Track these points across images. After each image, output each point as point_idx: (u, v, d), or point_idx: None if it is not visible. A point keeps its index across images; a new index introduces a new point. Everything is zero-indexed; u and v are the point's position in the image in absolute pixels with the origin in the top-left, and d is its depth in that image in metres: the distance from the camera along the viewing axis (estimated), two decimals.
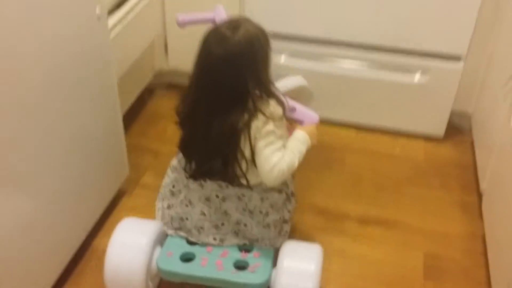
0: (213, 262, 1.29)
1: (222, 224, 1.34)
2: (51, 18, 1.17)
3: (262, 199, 1.32)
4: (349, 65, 1.90)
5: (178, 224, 1.36)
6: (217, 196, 1.32)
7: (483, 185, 1.64)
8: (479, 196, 1.70)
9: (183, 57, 2.04)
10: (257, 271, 1.27)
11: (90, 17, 1.32)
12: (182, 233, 1.36)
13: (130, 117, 1.99)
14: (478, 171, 1.74)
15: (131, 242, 1.32)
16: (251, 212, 1.32)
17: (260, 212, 1.32)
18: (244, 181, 1.28)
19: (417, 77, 1.86)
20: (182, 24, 1.51)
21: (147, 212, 1.56)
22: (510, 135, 1.39)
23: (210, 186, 1.32)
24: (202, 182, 1.32)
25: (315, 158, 1.84)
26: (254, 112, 1.21)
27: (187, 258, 1.31)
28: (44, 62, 1.18)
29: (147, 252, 1.30)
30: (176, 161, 1.40)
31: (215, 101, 1.22)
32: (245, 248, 1.33)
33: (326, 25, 1.83)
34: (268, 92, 1.24)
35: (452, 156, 1.92)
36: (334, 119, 2.00)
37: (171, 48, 2.05)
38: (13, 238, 1.18)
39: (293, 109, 1.35)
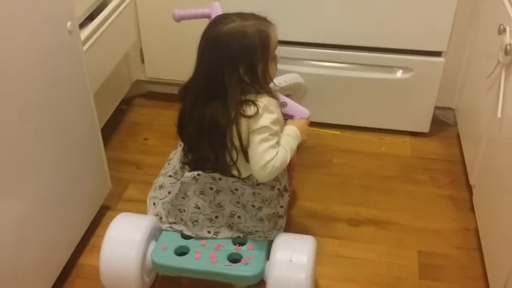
0: (207, 255, 1.29)
1: (216, 217, 1.33)
2: (22, 35, 1.13)
3: (254, 194, 1.30)
4: (331, 65, 1.88)
5: (174, 218, 1.36)
6: (211, 189, 1.31)
7: (473, 179, 1.62)
8: (469, 190, 1.68)
9: (160, 66, 2.03)
10: (250, 263, 1.28)
11: (62, 32, 1.28)
12: (176, 227, 1.35)
13: (109, 129, 1.94)
14: (466, 165, 1.72)
15: (125, 238, 1.32)
16: (244, 206, 1.32)
17: (253, 206, 1.31)
18: (235, 172, 1.27)
19: (399, 74, 1.85)
20: (177, 19, 1.50)
21: None
22: (497, 126, 1.38)
23: (204, 179, 1.30)
24: (196, 175, 1.30)
25: (302, 160, 1.82)
26: (237, 109, 1.20)
27: (181, 252, 1.32)
28: (17, 79, 1.14)
29: (141, 247, 1.31)
30: (173, 153, 1.41)
31: (199, 89, 1.24)
32: (239, 241, 1.33)
33: (306, 28, 1.81)
34: (259, 88, 1.23)
35: (439, 151, 1.90)
36: (319, 120, 1.97)
37: (147, 57, 2.01)
38: None
39: (284, 104, 1.36)
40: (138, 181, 1.78)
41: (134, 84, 2.10)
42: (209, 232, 1.33)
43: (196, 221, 1.33)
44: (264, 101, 1.22)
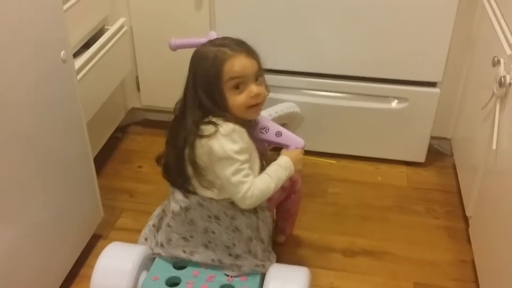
0: (198, 286, 1.28)
1: (191, 236, 1.31)
2: (14, 62, 1.13)
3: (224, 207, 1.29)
4: (328, 95, 1.88)
5: (154, 238, 1.36)
6: (180, 207, 1.29)
7: (469, 210, 1.61)
8: (466, 221, 1.67)
9: (156, 94, 2.03)
10: None
11: (55, 61, 1.28)
12: (156, 250, 1.34)
13: (104, 156, 1.93)
14: (462, 196, 1.71)
15: (116, 267, 1.30)
16: (217, 218, 1.29)
17: (226, 214, 1.29)
18: (209, 193, 1.27)
19: (394, 104, 1.85)
20: (174, 48, 1.50)
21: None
22: (493, 157, 1.37)
23: (177, 197, 1.29)
24: (174, 194, 1.30)
25: None
26: (192, 129, 1.21)
27: (172, 282, 1.30)
28: (8, 106, 1.13)
29: (132, 277, 1.29)
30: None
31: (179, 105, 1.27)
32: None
33: (301, 57, 1.82)
34: (226, 114, 1.22)
35: (435, 182, 1.89)
36: (315, 149, 1.97)
37: (143, 85, 2.01)
38: None
39: (278, 134, 1.37)
40: (131, 209, 1.76)
41: (130, 111, 2.10)
42: (184, 251, 1.31)
43: (170, 239, 1.32)
44: (226, 128, 1.19)
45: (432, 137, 1.90)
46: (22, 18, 1.14)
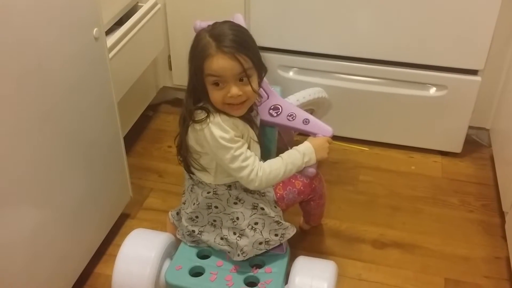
0: (222, 277, 1.25)
1: (197, 217, 1.30)
2: (46, 40, 1.12)
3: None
4: (363, 80, 1.82)
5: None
6: (187, 188, 1.32)
7: (506, 204, 1.55)
8: (502, 216, 1.61)
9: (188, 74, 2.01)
10: (267, 287, 1.23)
11: (87, 38, 1.27)
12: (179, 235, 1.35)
13: (134, 135, 1.93)
14: (500, 190, 1.65)
15: (139, 255, 1.29)
16: (215, 193, 1.28)
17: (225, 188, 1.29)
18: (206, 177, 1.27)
19: (432, 91, 1.78)
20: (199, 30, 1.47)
21: None
22: None
23: (186, 177, 1.31)
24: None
25: (328, 176, 1.77)
26: (188, 114, 1.20)
27: (196, 272, 1.28)
28: (42, 84, 1.12)
29: (155, 266, 1.28)
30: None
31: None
32: (256, 264, 1.29)
33: (336, 40, 1.76)
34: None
35: (471, 173, 1.83)
36: (346, 135, 1.92)
37: (175, 65, 1.99)
38: (17, 263, 1.13)
39: (306, 121, 1.34)
40: (159, 189, 1.75)
41: (161, 90, 2.09)
42: (193, 231, 1.31)
43: (180, 219, 1.34)
44: (217, 116, 1.18)
45: (470, 127, 1.84)
46: None
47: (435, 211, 1.68)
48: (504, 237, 1.54)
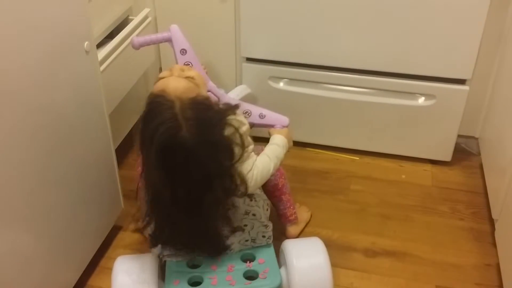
0: (223, 279, 1.27)
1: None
2: (36, 53, 1.13)
3: None
4: (352, 90, 1.84)
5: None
6: None
7: (496, 213, 1.57)
8: (492, 223, 1.62)
9: None
10: (268, 276, 1.28)
11: (78, 52, 1.28)
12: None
13: (126, 147, 1.92)
14: (489, 197, 1.66)
15: (135, 281, 1.27)
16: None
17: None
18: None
19: (421, 101, 1.80)
20: (137, 46, 1.48)
21: (143, 250, 1.50)
22: None
23: None
24: None
25: (319, 186, 1.78)
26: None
27: (194, 282, 1.29)
28: (30, 98, 1.13)
29: (154, 286, 1.27)
30: None
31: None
32: (247, 259, 1.33)
33: (325, 51, 1.78)
34: None
35: (461, 181, 1.84)
36: (336, 145, 1.94)
37: None
38: (8, 275, 1.13)
39: (262, 115, 1.41)
40: None
41: None
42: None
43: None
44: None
45: (459, 136, 1.86)
46: (46, 8, 1.14)
47: (425, 219, 1.69)
48: (494, 244, 1.55)
